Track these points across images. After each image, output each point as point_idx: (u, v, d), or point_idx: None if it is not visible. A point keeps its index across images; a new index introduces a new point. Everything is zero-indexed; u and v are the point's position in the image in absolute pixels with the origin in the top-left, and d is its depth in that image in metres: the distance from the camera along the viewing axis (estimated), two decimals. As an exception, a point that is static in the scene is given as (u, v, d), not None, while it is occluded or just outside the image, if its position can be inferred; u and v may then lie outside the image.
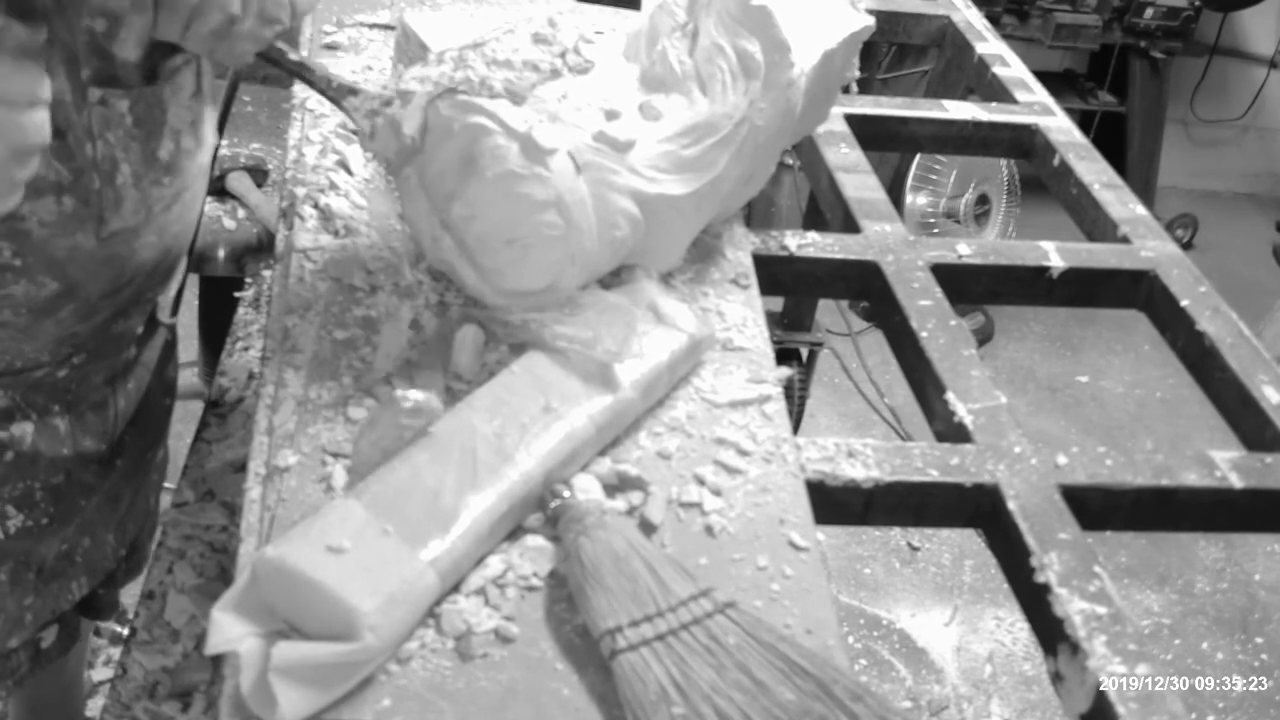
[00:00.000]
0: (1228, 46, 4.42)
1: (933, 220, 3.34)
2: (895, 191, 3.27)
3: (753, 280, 1.10)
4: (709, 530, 0.83)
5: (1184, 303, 1.19)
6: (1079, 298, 1.25)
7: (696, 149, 0.99)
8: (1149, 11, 3.82)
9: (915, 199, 3.35)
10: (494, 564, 0.78)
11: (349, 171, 1.14)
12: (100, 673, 2.02)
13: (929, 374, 1.07)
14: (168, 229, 1.06)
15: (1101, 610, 0.84)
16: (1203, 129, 4.60)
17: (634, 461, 0.88)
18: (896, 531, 2.81)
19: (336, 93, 0.95)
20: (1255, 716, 2.51)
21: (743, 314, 1.05)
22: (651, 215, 0.98)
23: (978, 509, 0.95)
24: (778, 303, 2.05)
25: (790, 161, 2.06)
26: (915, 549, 2.83)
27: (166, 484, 1.47)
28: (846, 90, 1.45)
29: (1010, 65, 1.65)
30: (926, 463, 0.95)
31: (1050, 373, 3.57)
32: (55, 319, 1.03)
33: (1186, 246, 4.16)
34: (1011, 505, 0.92)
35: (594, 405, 0.87)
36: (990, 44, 1.71)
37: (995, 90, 1.61)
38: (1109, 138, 3.83)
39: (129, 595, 1.47)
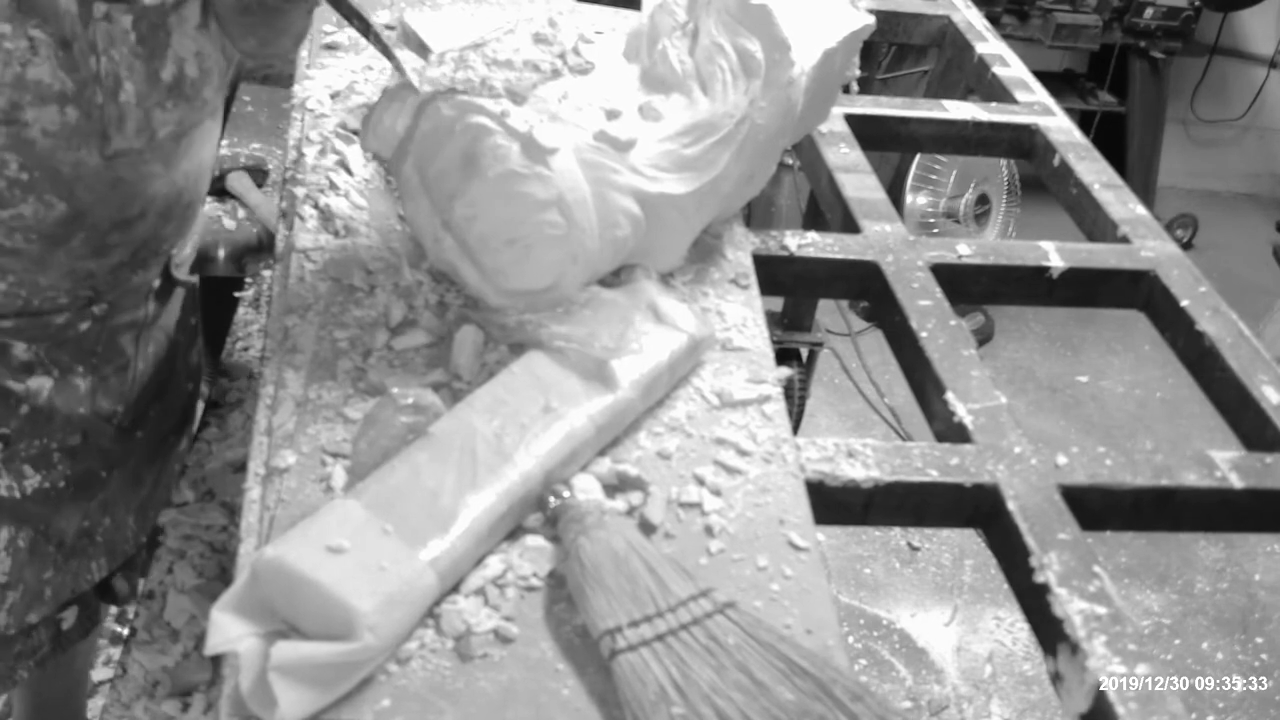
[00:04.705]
0: (1228, 46, 4.42)
1: (933, 220, 3.34)
2: (895, 191, 3.27)
3: (753, 280, 1.09)
4: (709, 530, 0.83)
5: (1184, 303, 1.18)
6: (1079, 298, 1.25)
7: (697, 148, 0.99)
8: (1149, 11, 3.82)
9: (915, 199, 3.35)
10: (494, 564, 0.78)
11: (349, 171, 1.14)
12: (100, 673, 2.02)
13: (929, 374, 1.07)
14: (175, 163, 1.08)
15: (1101, 610, 0.84)
16: (1203, 129, 4.60)
17: (634, 461, 0.88)
18: (896, 531, 2.81)
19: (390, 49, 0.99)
20: (1255, 716, 2.51)
21: (743, 314, 1.05)
22: (653, 214, 0.98)
23: (978, 509, 0.95)
24: (778, 303, 2.05)
25: (790, 161, 2.06)
26: (915, 549, 2.82)
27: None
28: (847, 90, 1.45)
29: (1010, 65, 1.65)
30: (926, 463, 0.95)
31: (1050, 373, 3.57)
32: (66, 248, 1.05)
33: (1186, 246, 4.16)
34: (1011, 505, 0.92)
35: (594, 405, 0.86)
36: (990, 44, 1.71)
37: (995, 90, 1.61)
38: (1109, 138, 3.83)
39: (129, 595, 1.47)
